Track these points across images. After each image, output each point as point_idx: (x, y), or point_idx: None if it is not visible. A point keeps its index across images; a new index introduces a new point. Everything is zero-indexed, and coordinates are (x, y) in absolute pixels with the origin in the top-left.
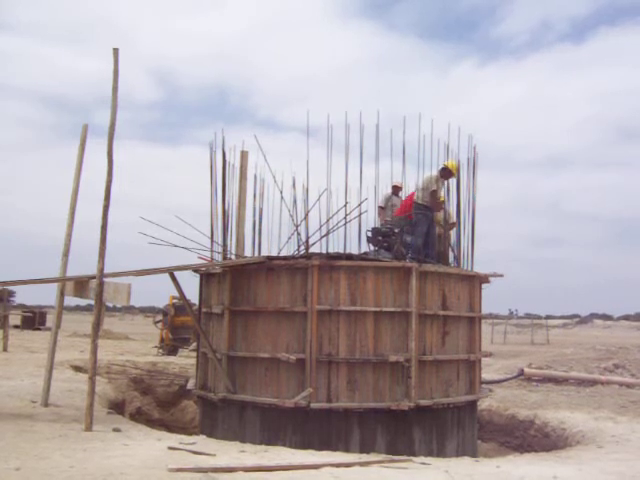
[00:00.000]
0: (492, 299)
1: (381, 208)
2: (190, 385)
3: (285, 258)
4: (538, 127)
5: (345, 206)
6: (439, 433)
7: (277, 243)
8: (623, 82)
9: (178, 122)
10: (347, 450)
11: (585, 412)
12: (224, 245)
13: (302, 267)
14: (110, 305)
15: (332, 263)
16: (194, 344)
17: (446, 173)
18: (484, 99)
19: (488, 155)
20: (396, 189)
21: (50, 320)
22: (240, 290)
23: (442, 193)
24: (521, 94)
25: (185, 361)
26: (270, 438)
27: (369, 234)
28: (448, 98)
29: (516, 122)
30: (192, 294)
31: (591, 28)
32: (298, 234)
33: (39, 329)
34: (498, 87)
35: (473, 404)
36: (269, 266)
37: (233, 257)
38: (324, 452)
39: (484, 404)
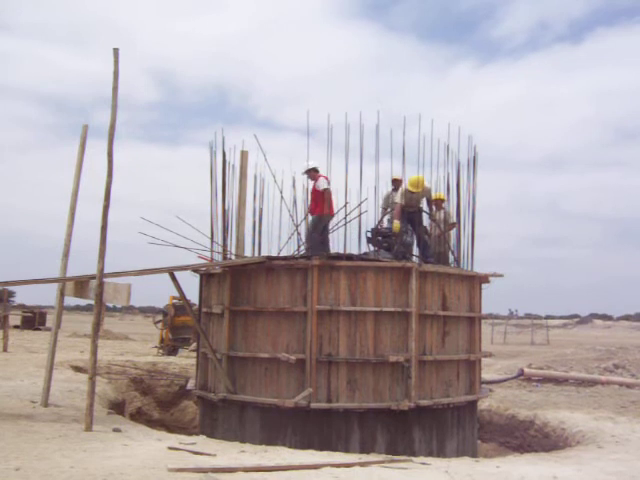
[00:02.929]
0: (492, 299)
1: (384, 209)
2: (190, 385)
3: (285, 258)
4: (536, 127)
5: (345, 206)
6: (439, 433)
7: (277, 243)
8: (621, 82)
9: (178, 122)
10: (347, 450)
11: (585, 412)
12: (224, 245)
13: (302, 267)
14: (110, 305)
15: (332, 263)
16: (194, 344)
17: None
18: (483, 99)
19: (487, 155)
20: (396, 183)
21: (50, 320)
22: (240, 290)
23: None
24: (519, 94)
25: (185, 361)
26: (270, 438)
27: (369, 234)
28: (447, 99)
29: (514, 122)
30: (192, 294)
31: (588, 29)
32: (298, 234)
33: (39, 329)
34: (496, 87)
35: (473, 404)
36: (269, 266)
37: (233, 257)
38: (324, 452)
39: (484, 404)
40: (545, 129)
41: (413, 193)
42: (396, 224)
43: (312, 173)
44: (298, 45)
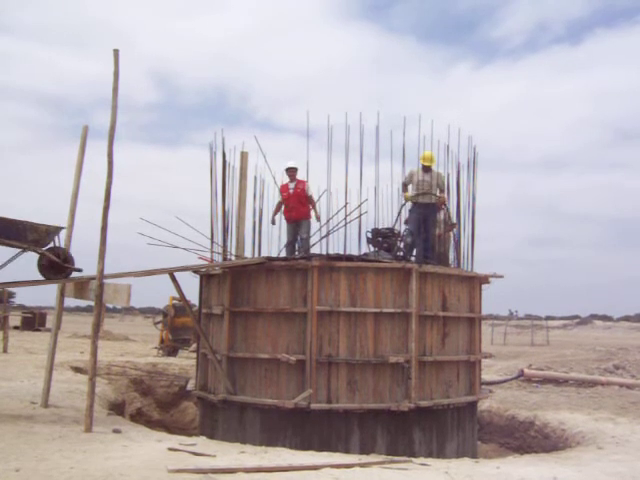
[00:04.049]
0: (492, 300)
1: (404, 185)
2: (190, 386)
3: (285, 259)
4: (535, 128)
5: (345, 207)
6: (439, 434)
7: (277, 244)
8: (620, 83)
9: (177, 124)
10: (347, 451)
11: (585, 413)
12: (224, 246)
13: (302, 268)
14: (110, 306)
15: (332, 264)
16: (194, 345)
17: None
18: (482, 100)
19: (486, 156)
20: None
21: (50, 321)
22: (240, 291)
23: (419, 179)
24: (518, 95)
25: (185, 362)
26: (270, 439)
27: (369, 235)
28: (446, 100)
29: (513, 123)
30: (192, 295)
31: (587, 30)
32: (294, 234)
33: (39, 330)
34: (495, 88)
35: (473, 405)
36: (269, 267)
37: (233, 258)
38: (324, 453)
39: (484, 405)
40: (544, 130)
41: (425, 169)
42: (406, 195)
43: (293, 173)
44: (297, 46)
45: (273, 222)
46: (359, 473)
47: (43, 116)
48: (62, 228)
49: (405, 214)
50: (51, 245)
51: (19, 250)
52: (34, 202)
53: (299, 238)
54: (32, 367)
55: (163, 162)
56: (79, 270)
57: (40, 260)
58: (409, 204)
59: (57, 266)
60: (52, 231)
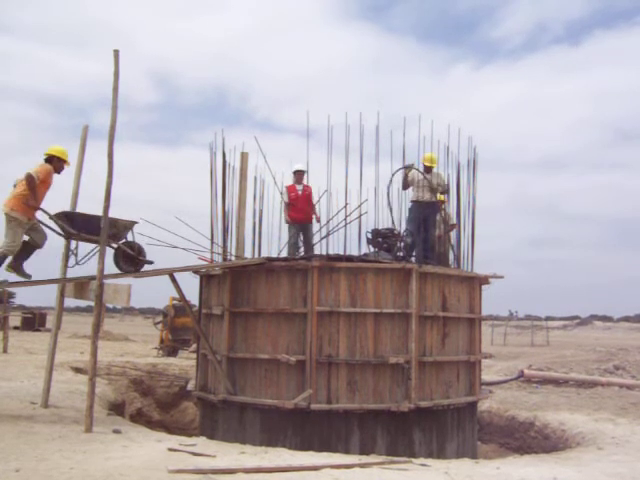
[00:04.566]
0: (492, 300)
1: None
2: (190, 386)
3: (285, 259)
4: (535, 128)
5: (345, 207)
6: (439, 434)
7: (277, 244)
8: (619, 83)
9: (177, 124)
10: (347, 451)
11: (585, 414)
12: (224, 246)
13: (302, 268)
14: (110, 306)
15: (332, 264)
16: (194, 345)
17: (425, 167)
18: (481, 101)
19: (485, 156)
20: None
21: (50, 321)
22: (240, 291)
23: (419, 179)
24: (518, 95)
25: (185, 362)
26: (270, 439)
27: (369, 235)
28: (446, 100)
29: (513, 123)
30: (192, 295)
31: (587, 30)
32: (298, 235)
33: (39, 330)
34: (495, 88)
35: (473, 405)
36: (269, 267)
37: (233, 258)
38: (324, 453)
39: (484, 405)
40: (544, 130)
41: (426, 169)
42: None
43: (301, 175)
44: (297, 46)
45: (287, 222)
46: (359, 473)
47: (43, 116)
48: (136, 222)
49: (403, 202)
50: (125, 239)
51: (97, 245)
52: None
53: (301, 241)
54: (32, 367)
55: (163, 162)
56: (151, 262)
57: (117, 253)
58: (409, 203)
59: (132, 259)
60: (128, 225)
